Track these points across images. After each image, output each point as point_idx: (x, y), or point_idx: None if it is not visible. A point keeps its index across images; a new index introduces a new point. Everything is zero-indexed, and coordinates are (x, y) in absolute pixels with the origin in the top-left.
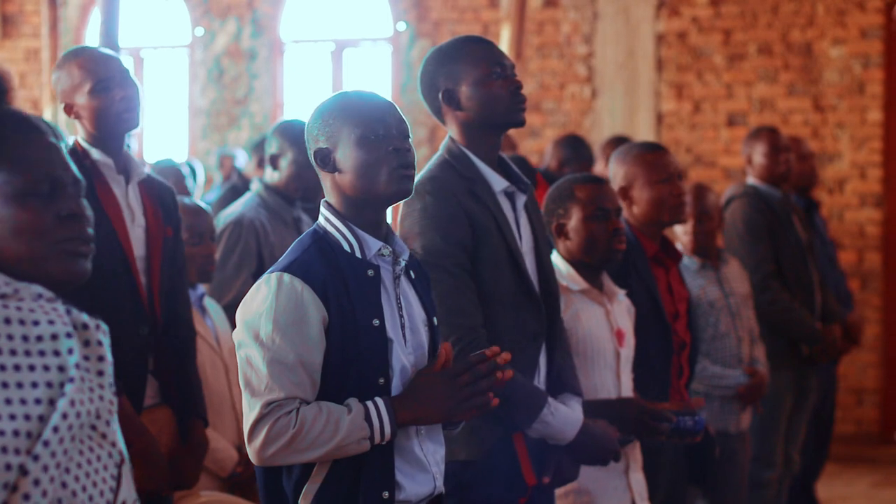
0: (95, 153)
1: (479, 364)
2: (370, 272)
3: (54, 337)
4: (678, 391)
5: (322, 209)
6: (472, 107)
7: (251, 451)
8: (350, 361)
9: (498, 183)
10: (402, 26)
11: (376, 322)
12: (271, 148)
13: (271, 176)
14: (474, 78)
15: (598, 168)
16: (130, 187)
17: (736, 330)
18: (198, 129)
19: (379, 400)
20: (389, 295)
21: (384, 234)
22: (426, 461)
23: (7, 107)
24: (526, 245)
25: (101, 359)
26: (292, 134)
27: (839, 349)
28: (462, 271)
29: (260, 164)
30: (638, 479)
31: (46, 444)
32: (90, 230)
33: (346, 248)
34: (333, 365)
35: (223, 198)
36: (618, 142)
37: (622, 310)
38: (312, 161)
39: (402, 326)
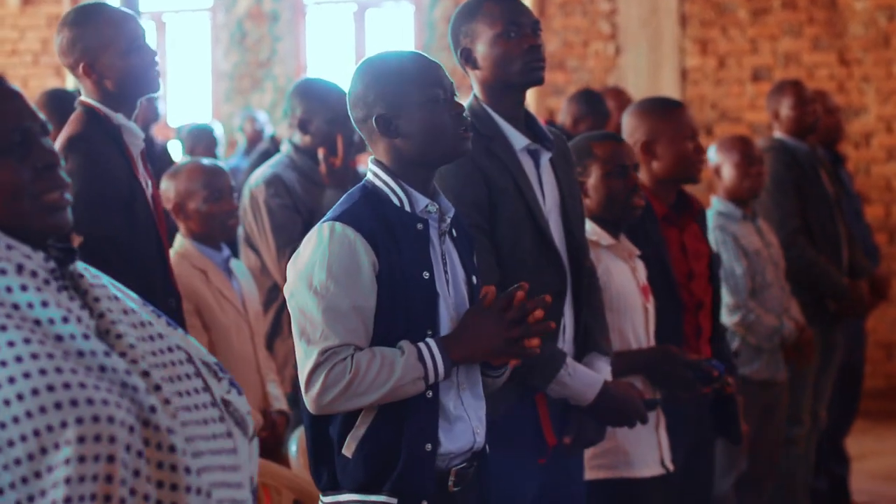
0: (120, 118)
1: (526, 302)
2: (419, 226)
3: None
4: (696, 350)
5: (371, 166)
6: (486, 66)
7: (308, 400)
8: (399, 312)
9: (519, 141)
10: None
11: (426, 275)
12: (296, 111)
13: (301, 138)
14: (489, 37)
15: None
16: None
17: (779, 280)
18: (221, 92)
19: (430, 340)
20: (436, 251)
21: (431, 192)
22: (467, 416)
23: None
24: (550, 203)
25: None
26: (318, 95)
27: (866, 305)
28: (477, 231)
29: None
30: (664, 436)
31: None
32: (64, 175)
33: (396, 202)
34: (382, 314)
35: (254, 165)
36: (585, 95)
37: (641, 267)
38: (367, 128)
39: (447, 283)
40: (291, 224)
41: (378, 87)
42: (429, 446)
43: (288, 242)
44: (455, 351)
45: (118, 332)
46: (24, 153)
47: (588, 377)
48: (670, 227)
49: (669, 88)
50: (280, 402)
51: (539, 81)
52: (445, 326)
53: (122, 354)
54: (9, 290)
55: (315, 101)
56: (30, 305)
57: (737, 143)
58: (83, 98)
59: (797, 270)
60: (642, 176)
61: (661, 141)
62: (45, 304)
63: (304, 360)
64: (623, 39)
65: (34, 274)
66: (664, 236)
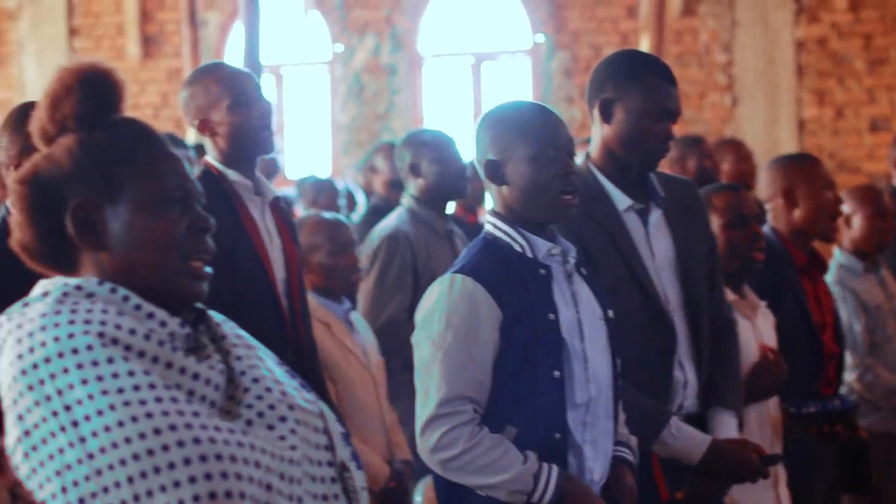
0: (232, 174)
1: None
2: (542, 271)
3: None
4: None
5: (488, 217)
6: (617, 131)
7: (421, 448)
8: (527, 356)
9: (622, 202)
10: (540, 38)
11: (551, 316)
12: (405, 159)
13: (416, 186)
14: (636, 108)
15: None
16: (265, 208)
17: None
18: (339, 145)
19: (554, 469)
20: (564, 292)
21: (549, 235)
22: (592, 455)
23: (127, 117)
24: (662, 259)
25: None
26: (422, 140)
27: None
28: None
29: (368, 184)
30: (785, 494)
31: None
32: (212, 244)
33: (517, 248)
34: (511, 361)
35: (367, 221)
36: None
37: (767, 323)
38: (481, 170)
39: (579, 322)
40: (396, 290)
41: (494, 133)
42: None
43: (381, 311)
44: (570, 495)
45: (255, 377)
46: (183, 210)
47: (693, 437)
48: (806, 279)
49: (787, 139)
50: (404, 453)
51: (653, 170)
52: (577, 366)
53: (259, 398)
54: (110, 360)
55: (420, 145)
56: (130, 374)
57: (869, 194)
58: (205, 158)
59: None
60: (781, 225)
61: (800, 188)
62: (151, 385)
63: (421, 409)
64: (740, 90)
65: (161, 342)
66: (803, 286)
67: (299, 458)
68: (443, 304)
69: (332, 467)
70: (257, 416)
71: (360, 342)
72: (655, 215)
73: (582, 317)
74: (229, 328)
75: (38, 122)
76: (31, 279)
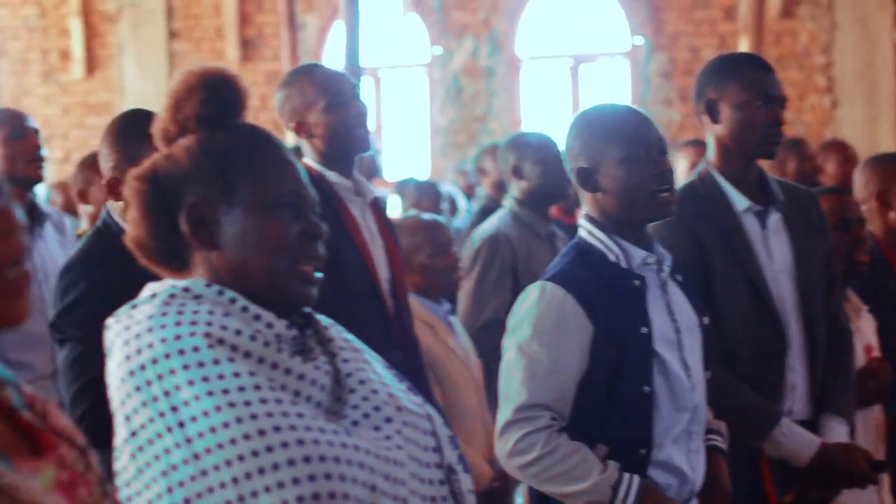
0: (332, 175)
1: None
2: (636, 282)
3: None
4: None
5: (583, 222)
6: (726, 127)
7: (498, 452)
8: (617, 370)
9: (741, 203)
10: (639, 40)
11: (644, 330)
12: (508, 161)
13: (519, 187)
14: (738, 100)
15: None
16: (365, 208)
17: None
18: (438, 147)
19: (636, 479)
20: (658, 302)
21: (646, 242)
22: (684, 469)
23: (247, 122)
24: (780, 263)
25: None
26: (525, 142)
27: None
28: None
29: (468, 186)
30: (888, 500)
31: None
32: (323, 251)
33: (612, 258)
34: (601, 374)
35: (475, 222)
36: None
37: (869, 327)
38: (574, 179)
39: (677, 331)
40: (496, 291)
41: (582, 140)
42: None
43: (481, 312)
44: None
45: (361, 379)
46: (296, 215)
47: (804, 438)
48: None
49: (887, 141)
50: None
51: (772, 156)
52: (680, 375)
53: (365, 399)
54: (216, 361)
55: (523, 147)
56: (236, 375)
57: None
58: (303, 160)
59: None
60: (876, 228)
61: (894, 190)
62: (256, 386)
63: (500, 413)
64: (839, 93)
65: (267, 343)
66: None
67: (405, 460)
68: (532, 311)
69: (439, 469)
70: (363, 418)
71: (461, 344)
72: (774, 218)
73: (680, 325)
74: (336, 332)
75: (160, 123)
76: (139, 280)
